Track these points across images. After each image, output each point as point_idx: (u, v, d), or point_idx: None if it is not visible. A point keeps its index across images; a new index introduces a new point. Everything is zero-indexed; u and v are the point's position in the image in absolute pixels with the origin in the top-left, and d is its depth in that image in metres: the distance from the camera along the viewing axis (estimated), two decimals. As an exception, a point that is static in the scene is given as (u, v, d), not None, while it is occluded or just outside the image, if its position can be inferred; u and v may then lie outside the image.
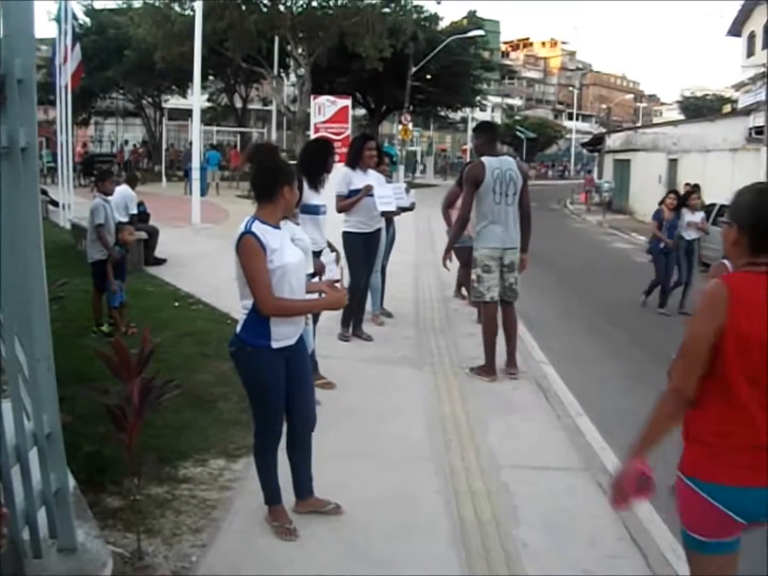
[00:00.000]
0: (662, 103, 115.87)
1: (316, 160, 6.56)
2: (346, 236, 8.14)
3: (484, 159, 7.25)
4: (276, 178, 3.91)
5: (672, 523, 4.73)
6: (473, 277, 7.57)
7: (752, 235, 2.73)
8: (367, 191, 7.84)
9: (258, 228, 3.85)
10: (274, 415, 4.10)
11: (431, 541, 4.30)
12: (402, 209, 8.76)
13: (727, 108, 43.13)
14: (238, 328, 4.02)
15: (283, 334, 3.98)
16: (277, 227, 3.99)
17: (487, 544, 4.27)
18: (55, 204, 18.88)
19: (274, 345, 3.95)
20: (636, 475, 3.09)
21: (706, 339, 2.66)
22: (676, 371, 2.88)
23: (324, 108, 18.89)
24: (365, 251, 8.16)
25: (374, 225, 8.23)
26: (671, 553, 4.34)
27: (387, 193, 8.16)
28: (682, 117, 61.28)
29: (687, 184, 19.27)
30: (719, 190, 18.48)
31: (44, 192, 20.09)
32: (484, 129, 7.75)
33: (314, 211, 6.41)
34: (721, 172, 21.31)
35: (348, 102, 19.52)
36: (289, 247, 4.01)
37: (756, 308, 2.60)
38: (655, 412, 3.03)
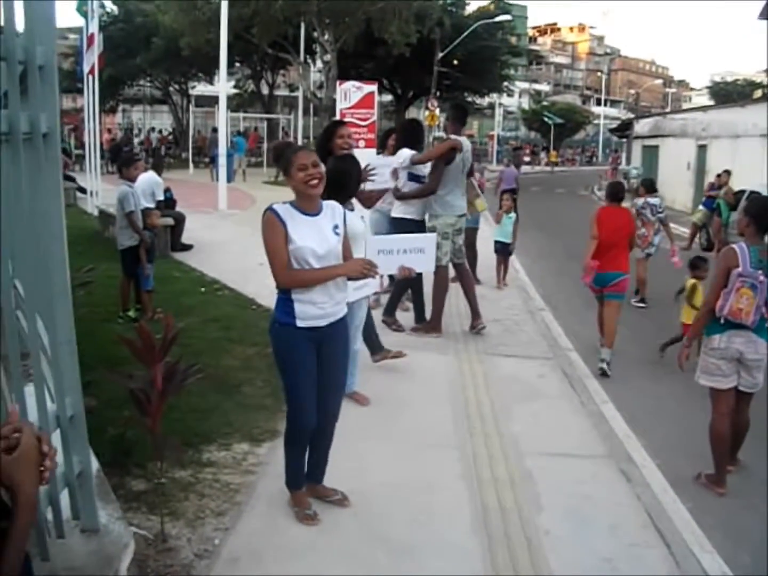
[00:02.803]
0: (692, 89, 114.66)
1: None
2: (400, 222, 8.16)
3: (460, 139, 8.23)
4: (285, 170, 4.01)
5: (696, 512, 4.72)
6: None
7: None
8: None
9: (281, 208, 3.97)
10: (303, 401, 4.07)
11: (453, 527, 4.30)
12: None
13: (758, 93, 42.53)
14: (274, 307, 4.15)
15: (307, 314, 3.98)
16: (310, 214, 3.99)
17: (509, 531, 4.26)
18: (83, 191, 19.04)
19: (300, 323, 3.98)
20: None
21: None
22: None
23: (350, 94, 18.77)
24: None
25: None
26: (695, 543, 4.32)
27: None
28: (711, 102, 60.55)
29: (718, 175, 18.99)
30: (749, 177, 18.24)
31: (72, 179, 20.32)
32: (457, 109, 8.94)
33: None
34: (751, 158, 21.01)
35: (374, 88, 19.34)
36: (317, 233, 3.98)
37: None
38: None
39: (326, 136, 6.56)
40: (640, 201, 11.35)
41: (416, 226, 7.90)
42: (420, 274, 7.68)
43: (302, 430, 4.16)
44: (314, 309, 4.00)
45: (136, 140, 41.86)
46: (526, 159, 51.07)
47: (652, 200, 11.37)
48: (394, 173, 8.13)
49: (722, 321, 5.01)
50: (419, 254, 5.08)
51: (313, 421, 4.13)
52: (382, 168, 7.69)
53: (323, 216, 4.07)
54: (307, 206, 4.00)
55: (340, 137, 6.54)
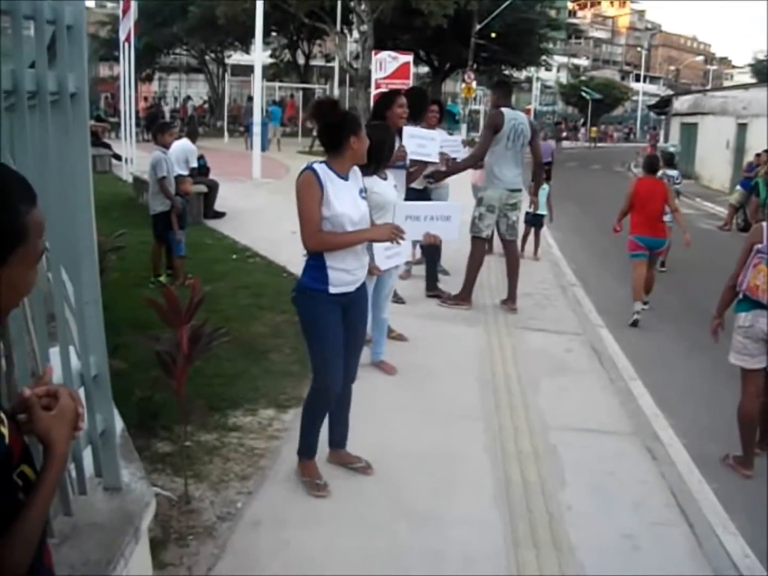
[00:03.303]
0: (734, 66, 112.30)
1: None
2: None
3: (503, 109, 8.07)
4: (341, 130, 3.92)
5: (721, 493, 4.68)
6: (476, 213, 8.33)
7: None
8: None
9: (321, 169, 3.91)
10: (332, 366, 4.07)
11: (475, 498, 4.30)
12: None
13: (803, 71, 41.63)
14: (300, 274, 4.10)
15: (340, 280, 3.99)
16: (344, 177, 3.99)
17: (530, 505, 4.26)
18: (119, 158, 19.15)
19: (332, 290, 3.97)
20: None
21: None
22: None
23: (385, 64, 18.74)
24: None
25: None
26: (718, 524, 4.28)
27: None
28: (753, 80, 59.39)
29: (758, 155, 18.65)
30: (790, 156, 17.88)
31: (108, 146, 20.45)
32: (501, 86, 8.83)
33: None
34: (793, 137, 20.62)
35: (410, 58, 19.30)
36: (352, 200, 4.00)
37: None
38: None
39: (386, 104, 6.58)
40: (659, 172, 11.36)
41: (416, 195, 7.39)
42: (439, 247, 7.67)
43: (331, 395, 4.16)
44: (347, 275, 4.02)
45: (166, 108, 41.92)
46: (564, 134, 50.49)
47: (670, 172, 11.75)
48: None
49: (741, 296, 4.98)
50: (445, 221, 5.08)
51: (340, 384, 4.15)
52: (425, 141, 7.46)
53: (352, 180, 4.07)
54: (342, 169, 3.99)
55: (400, 106, 6.64)
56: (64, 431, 1.51)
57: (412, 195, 7.08)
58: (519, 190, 8.34)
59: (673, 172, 11.92)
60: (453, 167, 8.07)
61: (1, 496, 1.37)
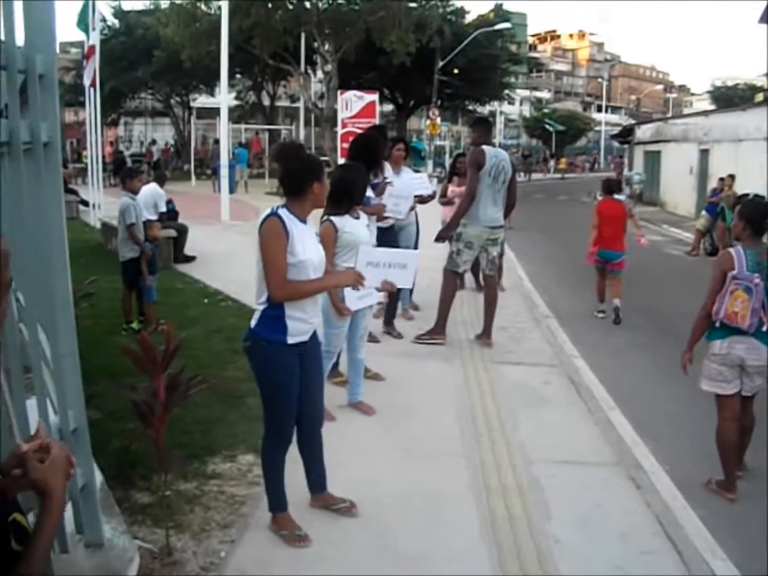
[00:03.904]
0: (693, 94, 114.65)
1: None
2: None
3: (485, 147, 8.07)
4: (305, 175, 3.89)
5: (707, 519, 4.67)
6: (454, 249, 8.34)
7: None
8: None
9: (285, 214, 3.86)
10: (286, 416, 4.02)
11: (462, 536, 4.26)
12: (422, 199, 8.67)
13: (759, 97, 42.48)
14: (253, 322, 3.98)
15: (298, 330, 3.93)
16: (304, 222, 3.96)
17: (518, 540, 4.22)
18: (86, 204, 19.04)
19: (290, 340, 3.91)
20: None
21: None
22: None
23: (351, 103, 18.87)
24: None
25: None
26: (706, 549, 4.27)
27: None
28: (713, 107, 60.55)
29: (721, 179, 18.96)
30: (752, 181, 18.19)
31: (75, 192, 20.33)
32: (481, 123, 8.90)
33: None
34: (754, 162, 20.95)
35: (375, 97, 19.45)
36: (312, 244, 3.99)
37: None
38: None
39: (387, 145, 6.80)
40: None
41: (382, 233, 7.29)
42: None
43: (286, 443, 4.10)
44: (304, 325, 3.97)
45: (127, 153, 41.87)
46: (533, 167, 51.22)
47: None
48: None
49: (718, 324, 4.98)
50: (402, 269, 5.09)
51: (293, 434, 4.12)
52: (401, 200, 7.48)
53: (309, 223, 4.05)
54: (303, 213, 3.95)
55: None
56: (59, 479, 1.61)
57: (378, 233, 7.01)
58: (500, 227, 8.32)
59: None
60: (454, 217, 8.21)
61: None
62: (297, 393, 4.01)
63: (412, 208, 8.25)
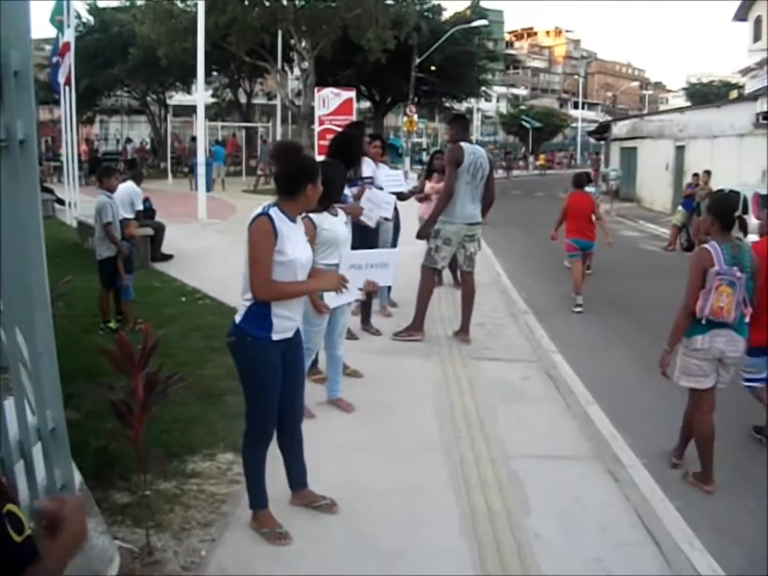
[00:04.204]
0: (668, 90, 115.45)
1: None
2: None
3: (463, 144, 8.09)
4: (301, 176, 3.92)
5: (685, 511, 4.72)
6: (432, 245, 8.34)
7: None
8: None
9: (275, 213, 3.86)
10: (268, 412, 4.03)
11: (441, 532, 4.27)
12: (399, 195, 8.72)
13: (734, 94, 42.87)
14: (238, 318, 3.98)
15: (283, 327, 3.96)
16: (294, 221, 3.98)
17: (498, 535, 4.24)
18: (62, 202, 18.88)
19: (275, 337, 3.93)
20: None
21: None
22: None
23: (328, 100, 18.82)
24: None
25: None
26: (684, 541, 4.31)
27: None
28: (688, 104, 60.99)
29: (695, 175, 19.14)
30: (727, 176, 18.37)
31: (50, 191, 20.14)
32: (458, 120, 8.81)
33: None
34: (729, 158, 21.17)
35: (352, 94, 19.41)
36: (302, 243, 4.01)
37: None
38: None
39: (358, 141, 6.92)
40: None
41: (361, 230, 7.29)
42: None
43: (267, 439, 4.11)
44: (289, 322, 4.00)
45: (101, 151, 41.65)
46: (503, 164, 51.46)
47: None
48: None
49: (704, 321, 5.02)
50: (383, 269, 5.16)
51: (274, 429, 4.13)
52: (373, 205, 7.45)
53: (298, 222, 4.07)
54: (294, 213, 3.98)
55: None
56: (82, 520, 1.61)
57: (357, 230, 7.00)
58: (478, 224, 8.34)
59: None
60: (433, 214, 8.24)
61: None
62: (279, 389, 4.02)
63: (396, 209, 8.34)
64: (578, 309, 10.41)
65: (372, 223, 7.45)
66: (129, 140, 47.05)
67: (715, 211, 5.20)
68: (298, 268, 3.91)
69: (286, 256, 3.84)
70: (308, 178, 3.92)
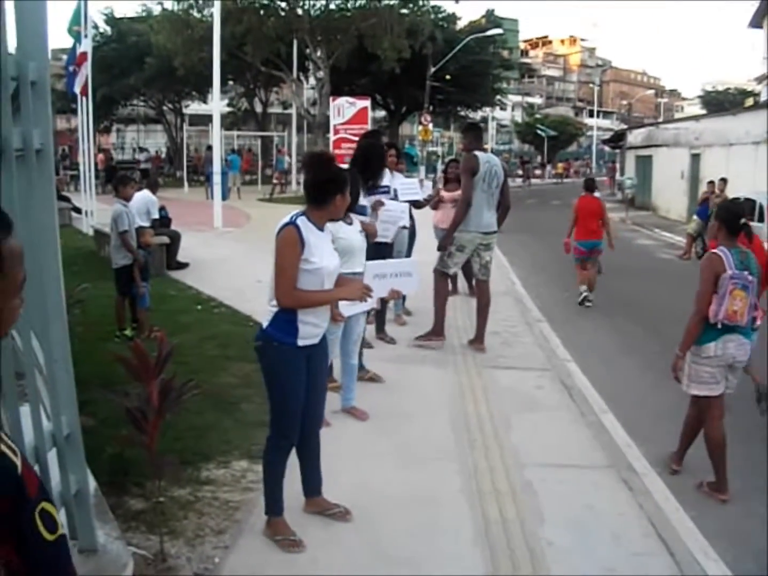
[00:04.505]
0: (684, 98, 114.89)
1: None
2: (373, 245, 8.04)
3: (477, 153, 8.17)
4: (331, 187, 4.00)
5: (699, 520, 4.69)
6: (446, 251, 8.36)
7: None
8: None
9: (303, 223, 3.94)
10: (291, 418, 4.07)
11: (455, 540, 4.27)
12: (415, 203, 8.79)
13: (750, 101, 42.71)
14: (265, 323, 4.04)
15: (309, 333, 4.00)
16: (321, 229, 4.05)
17: (511, 543, 4.23)
18: (78, 211, 19.01)
19: (300, 343, 3.97)
20: None
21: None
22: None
23: (343, 109, 18.91)
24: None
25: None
26: (699, 551, 4.29)
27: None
28: (703, 112, 60.79)
29: (711, 182, 19.04)
30: (743, 184, 18.27)
31: (67, 199, 20.29)
32: (471, 129, 8.83)
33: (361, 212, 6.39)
34: (744, 166, 21.07)
35: (367, 103, 19.50)
36: (329, 251, 4.09)
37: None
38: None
39: (382, 153, 7.01)
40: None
41: (386, 249, 7.46)
42: None
43: (290, 445, 4.15)
44: (315, 329, 4.06)
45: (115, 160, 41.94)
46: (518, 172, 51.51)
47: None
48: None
49: (719, 326, 5.01)
50: (408, 277, 5.20)
51: (298, 435, 4.16)
52: (387, 224, 7.39)
53: (326, 231, 4.12)
54: (321, 222, 4.05)
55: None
56: None
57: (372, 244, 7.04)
58: (494, 232, 8.33)
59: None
60: (453, 224, 8.21)
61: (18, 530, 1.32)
62: (304, 394, 4.06)
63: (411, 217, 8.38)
64: (588, 304, 11.25)
65: (389, 240, 7.53)
66: (142, 149, 47.33)
67: (721, 217, 5.23)
68: (325, 275, 3.99)
69: (313, 264, 3.90)
70: (338, 189, 4.01)
